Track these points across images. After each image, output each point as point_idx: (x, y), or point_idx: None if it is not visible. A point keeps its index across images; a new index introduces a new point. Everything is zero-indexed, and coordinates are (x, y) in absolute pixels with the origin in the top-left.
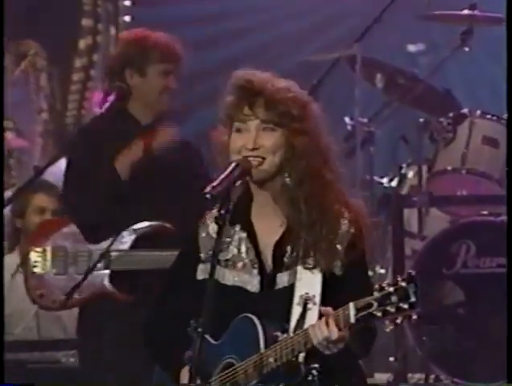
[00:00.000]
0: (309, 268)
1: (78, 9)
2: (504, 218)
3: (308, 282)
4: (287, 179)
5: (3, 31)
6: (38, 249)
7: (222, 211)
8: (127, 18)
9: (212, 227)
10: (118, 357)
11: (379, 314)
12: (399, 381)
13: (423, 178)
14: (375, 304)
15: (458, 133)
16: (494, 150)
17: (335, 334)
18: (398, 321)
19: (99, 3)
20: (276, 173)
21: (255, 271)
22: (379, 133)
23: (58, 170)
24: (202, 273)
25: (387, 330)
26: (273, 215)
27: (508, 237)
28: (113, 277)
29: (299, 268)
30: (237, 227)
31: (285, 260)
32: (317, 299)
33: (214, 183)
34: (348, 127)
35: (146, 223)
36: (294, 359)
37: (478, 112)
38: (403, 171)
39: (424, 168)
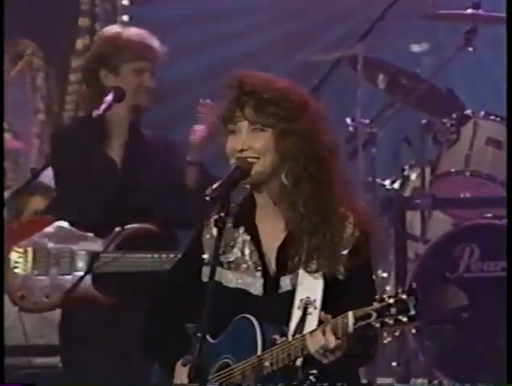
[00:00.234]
0: (311, 272)
1: (75, 8)
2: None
3: (309, 286)
4: (285, 181)
5: (3, 31)
6: (19, 250)
7: (222, 214)
8: (125, 18)
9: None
10: (103, 360)
11: (377, 325)
12: None
13: (426, 180)
14: (374, 314)
15: (462, 134)
16: (498, 152)
17: (332, 343)
18: (397, 333)
19: (97, 2)
20: (270, 174)
21: (258, 274)
22: (381, 134)
23: None
24: (206, 275)
25: (385, 341)
26: (275, 218)
27: (508, 240)
28: (95, 280)
29: (301, 271)
30: (241, 230)
31: (289, 263)
32: (318, 304)
33: (214, 186)
34: (350, 128)
35: (130, 226)
36: (291, 364)
37: (482, 113)
38: (406, 173)
39: (427, 170)
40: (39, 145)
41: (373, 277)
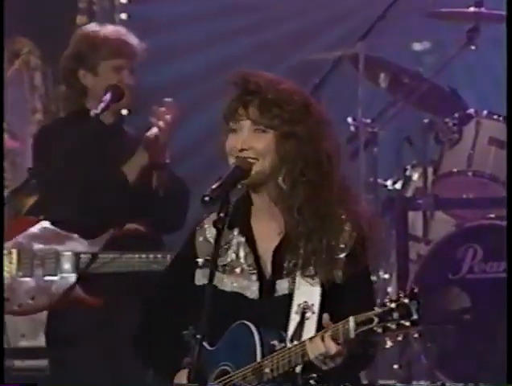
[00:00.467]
0: (308, 277)
1: (73, 6)
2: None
3: (307, 291)
4: (282, 184)
5: (3, 31)
6: (3, 251)
7: (222, 215)
8: (123, 16)
9: (210, 232)
10: (91, 362)
11: (379, 330)
12: None
13: (428, 181)
14: (376, 319)
15: (464, 134)
16: (501, 152)
17: (332, 349)
18: (399, 338)
19: (94, 1)
20: (268, 176)
21: (254, 277)
22: (383, 133)
23: None
24: (200, 278)
25: (387, 346)
26: (272, 220)
27: (508, 241)
28: (82, 281)
29: (298, 276)
30: (236, 232)
31: (285, 266)
32: (316, 308)
33: (214, 186)
34: (351, 128)
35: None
36: (291, 370)
37: (485, 112)
38: (408, 173)
39: (429, 170)
40: None
41: (372, 280)
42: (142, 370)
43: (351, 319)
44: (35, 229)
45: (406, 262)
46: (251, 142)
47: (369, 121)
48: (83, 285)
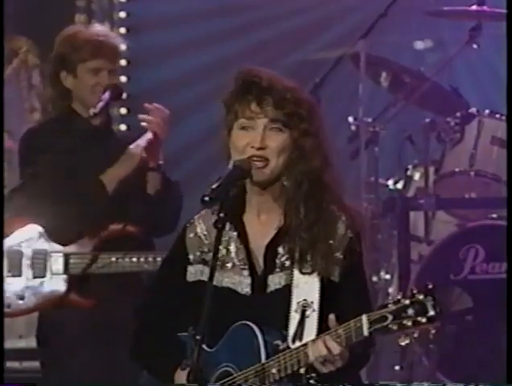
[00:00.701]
0: (307, 274)
1: (71, 5)
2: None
3: (306, 288)
4: (285, 181)
5: (3, 30)
6: None
7: (221, 214)
8: (122, 14)
9: (201, 228)
10: (83, 362)
11: (395, 327)
12: None
13: (430, 180)
14: (390, 317)
15: (466, 133)
16: (504, 151)
17: (336, 350)
18: (415, 335)
19: None
20: (278, 176)
21: (246, 272)
22: (384, 133)
23: None
24: (192, 275)
25: (402, 343)
26: (268, 217)
27: (508, 241)
28: (71, 282)
29: (296, 273)
30: (227, 227)
31: (277, 261)
32: (316, 306)
33: (213, 186)
34: (352, 127)
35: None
36: (296, 370)
37: (487, 111)
38: (409, 173)
39: (431, 170)
40: None
41: (374, 278)
42: (135, 371)
43: (364, 317)
44: (24, 230)
45: (408, 263)
46: (268, 141)
47: (370, 120)
48: (73, 286)
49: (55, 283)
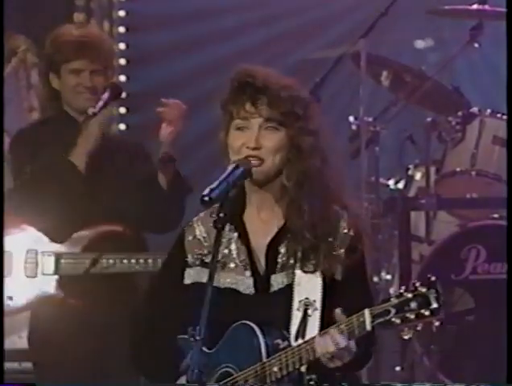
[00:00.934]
0: (309, 272)
1: (70, 3)
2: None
3: (308, 287)
4: (286, 182)
5: (2, 29)
6: None
7: (221, 215)
8: (122, 13)
9: (200, 230)
10: (76, 362)
11: (398, 321)
12: None
13: (431, 180)
14: (393, 311)
15: (467, 132)
16: (505, 151)
17: (343, 343)
18: (419, 328)
19: None
20: (276, 174)
21: (248, 273)
22: (385, 132)
23: None
24: (189, 277)
25: (406, 337)
26: (269, 217)
27: (508, 241)
28: (61, 282)
29: (298, 272)
30: (227, 227)
31: (278, 260)
32: (318, 304)
33: (212, 186)
34: (353, 127)
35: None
36: (296, 369)
37: (488, 111)
38: (410, 173)
39: (432, 169)
40: None
41: (375, 278)
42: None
43: (366, 312)
44: (15, 229)
45: (409, 263)
46: (263, 141)
47: (370, 119)
48: (64, 286)
49: (46, 283)
